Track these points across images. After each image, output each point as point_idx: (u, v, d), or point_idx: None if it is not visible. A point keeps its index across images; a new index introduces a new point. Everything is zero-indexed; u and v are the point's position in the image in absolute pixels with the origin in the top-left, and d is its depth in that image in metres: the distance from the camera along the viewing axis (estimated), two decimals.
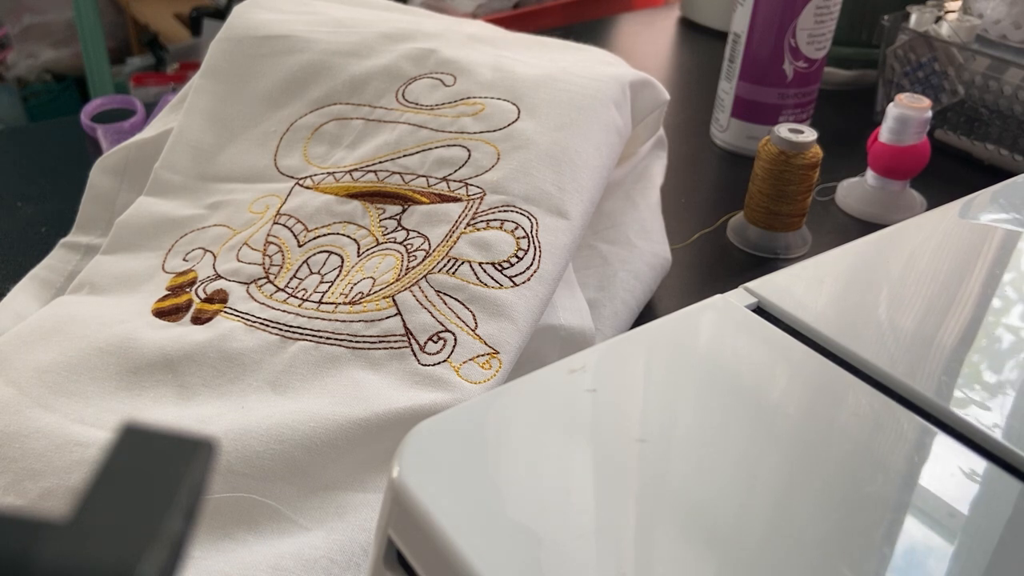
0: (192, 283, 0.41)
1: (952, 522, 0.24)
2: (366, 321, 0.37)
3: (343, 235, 0.42)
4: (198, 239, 0.44)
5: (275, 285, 0.40)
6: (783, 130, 0.51)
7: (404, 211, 0.42)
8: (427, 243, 0.40)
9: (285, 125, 0.48)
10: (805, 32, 0.61)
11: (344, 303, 0.38)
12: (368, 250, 0.41)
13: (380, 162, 0.44)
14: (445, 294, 0.38)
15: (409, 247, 0.40)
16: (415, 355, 0.36)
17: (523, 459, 0.25)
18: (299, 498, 0.33)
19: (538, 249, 0.39)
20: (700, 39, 0.91)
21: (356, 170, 0.44)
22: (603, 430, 0.26)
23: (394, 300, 0.38)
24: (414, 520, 0.24)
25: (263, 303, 0.39)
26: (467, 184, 0.42)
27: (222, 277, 0.41)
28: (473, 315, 0.37)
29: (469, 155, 0.43)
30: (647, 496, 0.24)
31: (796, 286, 0.34)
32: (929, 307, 0.33)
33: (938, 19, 0.68)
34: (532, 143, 0.43)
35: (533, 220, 0.40)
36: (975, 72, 0.65)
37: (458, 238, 0.40)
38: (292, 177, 0.46)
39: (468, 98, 0.46)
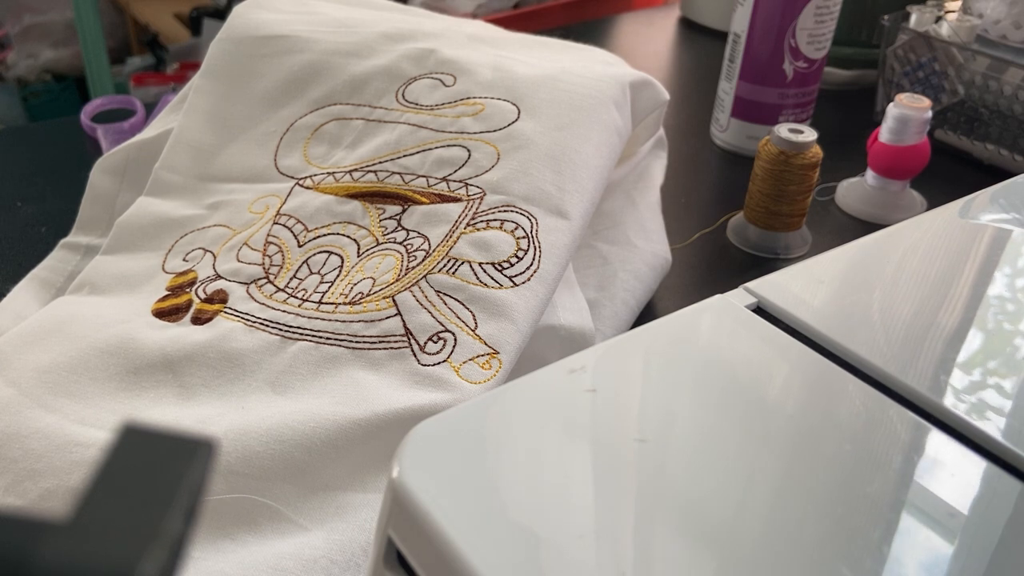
0: (192, 283, 0.41)
1: (950, 521, 0.24)
2: (366, 321, 0.37)
3: (343, 235, 0.42)
4: (198, 239, 0.44)
5: (275, 285, 0.40)
6: (783, 130, 0.51)
7: (404, 211, 0.42)
8: (427, 243, 0.40)
9: (285, 125, 0.48)
10: (805, 32, 0.61)
11: (344, 303, 0.38)
12: (368, 250, 0.41)
13: (380, 162, 0.44)
14: (445, 294, 0.38)
15: (409, 247, 0.40)
16: (415, 355, 0.36)
17: (523, 459, 0.25)
18: (299, 498, 0.33)
19: (538, 249, 0.39)
20: (700, 39, 0.91)
21: (356, 170, 0.44)
22: (603, 430, 0.26)
23: (394, 300, 0.38)
24: (414, 520, 0.24)
25: (263, 303, 0.39)
26: (467, 184, 0.42)
27: (222, 277, 0.41)
28: (473, 315, 0.37)
29: (469, 155, 0.43)
30: (647, 496, 0.24)
31: (796, 286, 0.34)
32: (930, 307, 0.33)
33: (938, 19, 0.68)
34: (532, 143, 0.43)
35: (533, 220, 0.40)
36: (975, 72, 0.65)
37: (458, 238, 0.40)
38: (292, 177, 0.46)
39: (468, 98, 0.46)
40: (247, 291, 0.40)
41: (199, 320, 0.39)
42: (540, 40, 0.54)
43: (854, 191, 0.60)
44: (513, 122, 0.44)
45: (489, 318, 0.37)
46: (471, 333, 0.37)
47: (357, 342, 0.37)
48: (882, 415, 0.28)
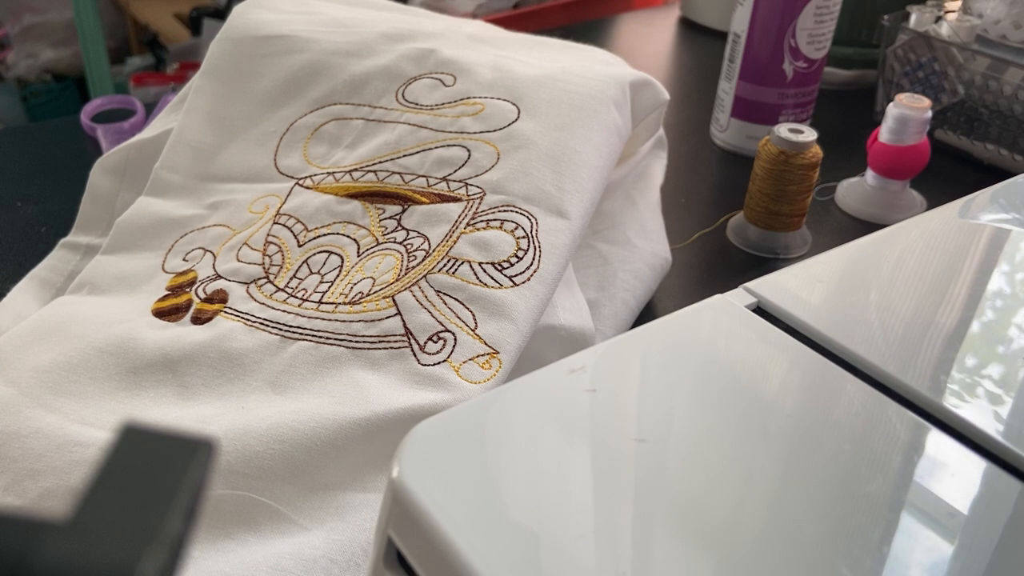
0: (192, 283, 0.41)
1: (950, 521, 0.24)
2: (366, 321, 0.37)
3: (343, 235, 0.42)
4: (198, 239, 0.44)
5: (275, 285, 0.40)
6: (783, 130, 0.51)
7: (404, 211, 0.42)
8: (427, 243, 0.40)
9: (285, 125, 0.48)
10: (805, 32, 0.61)
11: (344, 303, 0.38)
12: (368, 250, 0.41)
13: (380, 162, 0.44)
14: (445, 294, 0.38)
15: (409, 247, 0.40)
16: (415, 355, 0.36)
17: (523, 459, 0.25)
18: (299, 498, 0.33)
19: (538, 249, 0.39)
20: (700, 39, 0.91)
21: (356, 170, 0.44)
22: (602, 430, 0.26)
23: (394, 300, 0.38)
24: (414, 520, 0.24)
25: (263, 303, 0.39)
26: (467, 184, 0.42)
27: (222, 277, 0.41)
28: (473, 315, 0.37)
29: (469, 155, 0.43)
30: (646, 496, 0.24)
31: (796, 286, 0.34)
32: (929, 307, 0.33)
33: (938, 19, 0.68)
34: (532, 143, 0.43)
35: (533, 220, 0.40)
36: (975, 72, 0.65)
37: (458, 238, 0.40)
38: (292, 177, 0.46)
39: (468, 98, 0.46)
40: (247, 291, 0.40)
41: (199, 320, 0.39)
42: (540, 40, 0.54)
43: (854, 191, 0.60)
44: (513, 122, 0.44)
45: (489, 318, 0.37)
46: (471, 333, 0.37)
47: (357, 342, 0.37)
48: (882, 415, 0.28)
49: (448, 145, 0.44)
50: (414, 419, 0.32)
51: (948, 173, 0.65)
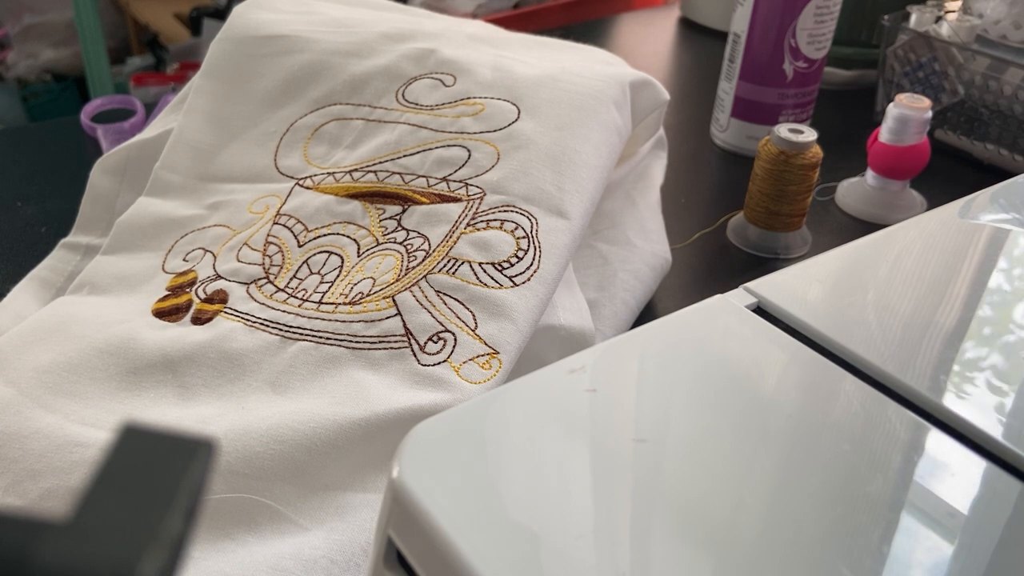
0: (192, 283, 0.41)
1: (950, 521, 0.24)
2: (366, 321, 0.37)
3: (343, 235, 0.42)
4: (198, 239, 0.44)
5: (275, 285, 0.40)
6: (783, 130, 0.51)
7: (404, 211, 0.42)
8: (427, 243, 0.40)
9: (285, 125, 0.48)
10: (805, 32, 0.61)
11: (344, 303, 0.38)
12: (368, 250, 0.41)
13: (380, 162, 0.44)
14: (445, 294, 0.38)
15: (409, 247, 0.40)
16: (415, 355, 0.36)
17: (523, 459, 0.25)
18: (299, 498, 0.33)
19: (538, 249, 0.39)
20: (700, 39, 0.91)
21: (356, 170, 0.44)
22: (602, 430, 0.26)
23: (394, 300, 0.38)
24: (414, 520, 0.24)
25: (263, 303, 0.39)
26: (467, 184, 0.42)
27: (222, 277, 0.41)
28: (473, 315, 0.37)
29: (469, 155, 0.43)
30: (646, 496, 0.24)
31: (796, 286, 0.34)
32: (929, 307, 0.33)
33: (938, 19, 0.68)
34: (532, 143, 0.43)
35: (533, 220, 0.40)
36: (975, 72, 0.65)
37: (458, 238, 0.40)
38: (292, 177, 0.46)
39: (468, 98, 0.46)
40: (247, 291, 0.40)
41: (199, 320, 0.39)
42: (540, 40, 0.54)
43: (854, 191, 0.60)
44: (513, 122, 0.44)
45: (489, 318, 0.37)
46: (471, 333, 0.37)
47: (357, 342, 0.37)
48: (881, 415, 0.28)
49: (448, 145, 0.44)
50: (414, 419, 0.32)
51: (948, 173, 0.65)
